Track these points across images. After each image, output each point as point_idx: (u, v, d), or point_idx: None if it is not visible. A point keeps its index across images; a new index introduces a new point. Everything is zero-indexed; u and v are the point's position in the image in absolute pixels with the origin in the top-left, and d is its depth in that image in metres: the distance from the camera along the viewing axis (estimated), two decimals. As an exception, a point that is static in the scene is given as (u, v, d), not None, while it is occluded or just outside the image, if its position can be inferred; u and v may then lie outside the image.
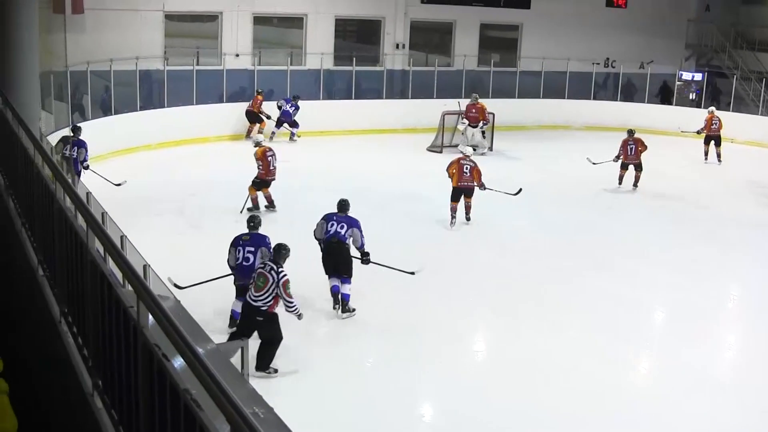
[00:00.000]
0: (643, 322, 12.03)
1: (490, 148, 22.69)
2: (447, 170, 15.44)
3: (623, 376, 10.10)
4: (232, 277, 10.25)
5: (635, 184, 19.14)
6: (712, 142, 23.38)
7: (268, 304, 9.10)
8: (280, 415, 4.00)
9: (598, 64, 29.49)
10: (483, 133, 22.59)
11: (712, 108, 24.46)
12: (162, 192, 17.05)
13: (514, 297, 12.36)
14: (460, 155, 15.69)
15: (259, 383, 7.49)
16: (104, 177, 15.40)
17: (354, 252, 11.15)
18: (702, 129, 23.42)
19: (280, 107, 22.33)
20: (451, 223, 15.34)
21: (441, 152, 21.90)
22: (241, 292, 9.76)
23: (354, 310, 10.92)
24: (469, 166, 15.28)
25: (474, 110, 22.49)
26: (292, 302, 9.35)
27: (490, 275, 13.16)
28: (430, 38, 28.86)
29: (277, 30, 26.68)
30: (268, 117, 22.38)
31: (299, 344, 9.99)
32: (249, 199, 15.53)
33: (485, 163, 17.42)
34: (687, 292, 12.97)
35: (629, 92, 29.98)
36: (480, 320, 11.79)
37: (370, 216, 14.36)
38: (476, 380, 9.71)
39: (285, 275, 9.19)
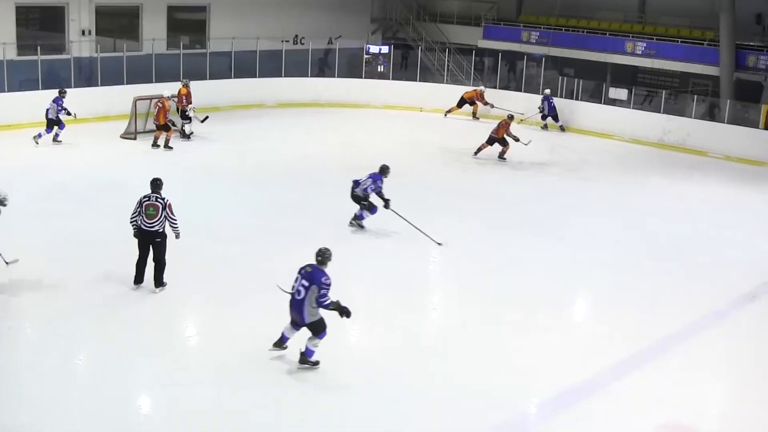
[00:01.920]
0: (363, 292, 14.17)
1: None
2: None
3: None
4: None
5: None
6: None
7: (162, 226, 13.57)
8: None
9: (288, 41, 34.27)
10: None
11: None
12: None
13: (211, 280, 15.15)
14: None
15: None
16: None
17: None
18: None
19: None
20: None
21: (135, 138, 25.37)
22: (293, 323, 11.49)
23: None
24: None
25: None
26: (176, 221, 13.70)
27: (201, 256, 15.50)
28: (117, 23, 32.08)
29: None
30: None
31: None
32: None
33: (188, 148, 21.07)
34: (397, 260, 16.05)
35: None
36: (183, 307, 13.77)
37: (74, 213, 18.01)
38: (189, 370, 11.76)
39: (168, 200, 13.63)
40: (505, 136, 24.89)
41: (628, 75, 35.09)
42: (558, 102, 31.40)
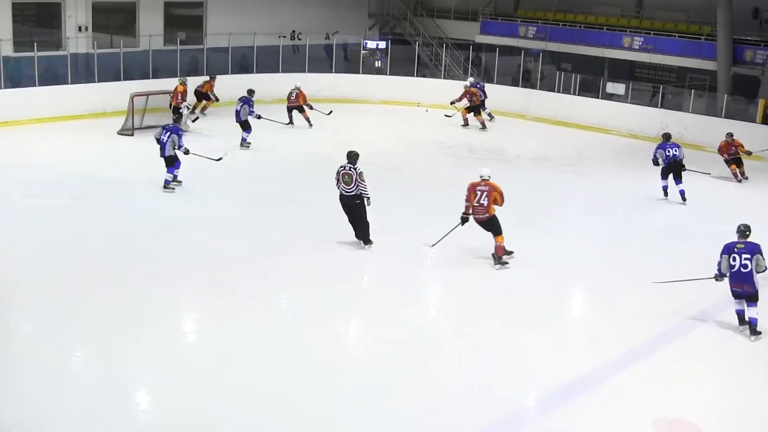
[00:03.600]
0: (348, 292, 14.46)
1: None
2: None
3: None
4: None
5: None
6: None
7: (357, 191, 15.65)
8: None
9: (285, 37, 34.46)
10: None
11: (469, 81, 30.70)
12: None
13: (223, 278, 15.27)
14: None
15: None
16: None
17: None
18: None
19: None
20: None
21: (132, 135, 25.34)
22: (737, 296, 13.30)
23: None
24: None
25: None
26: (366, 188, 15.78)
27: (197, 256, 15.67)
28: (113, 19, 32.13)
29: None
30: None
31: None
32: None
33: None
34: (390, 254, 16.12)
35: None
36: (177, 301, 13.71)
37: (71, 209, 18.14)
38: (188, 363, 11.57)
39: (360, 170, 15.78)
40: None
41: (625, 70, 35.14)
42: (556, 96, 31.47)
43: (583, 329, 13.69)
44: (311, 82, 32.34)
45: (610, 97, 31.49)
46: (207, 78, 29.26)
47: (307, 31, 34.67)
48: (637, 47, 33.27)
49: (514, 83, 33.79)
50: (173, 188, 19.76)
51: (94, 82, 28.58)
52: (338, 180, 15.90)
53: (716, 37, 30.65)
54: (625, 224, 19.35)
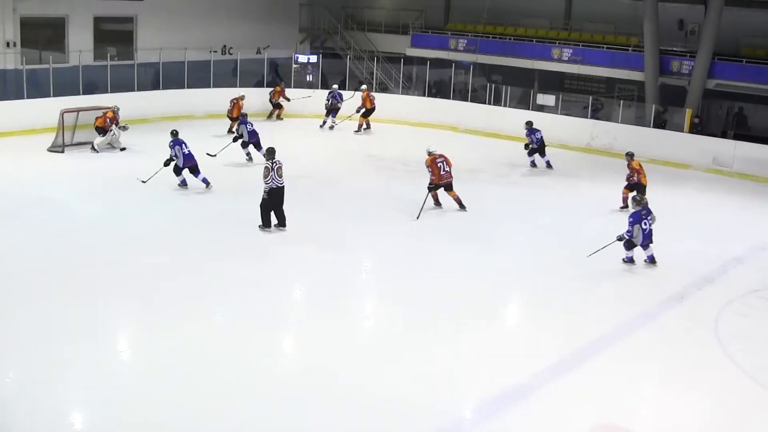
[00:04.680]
0: (283, 302, 14.63)
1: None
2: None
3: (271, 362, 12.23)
4: None
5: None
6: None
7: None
8: None
9: (216, 51, 34.40)
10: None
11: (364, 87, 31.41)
12: None
13: (147, 290, 14.67)
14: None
15: None
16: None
17: None
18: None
19: None
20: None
21: (63, 152, 25.04)
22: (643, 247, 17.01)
23: None
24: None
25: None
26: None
27: (128, 270, 15.48)
28: (42, 34, 31.80)
29: None
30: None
31: None
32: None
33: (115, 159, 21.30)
34: (329, 265, 16.24)
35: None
36: (111, 318, 13.50)
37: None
38: (123, 382, 11.26)
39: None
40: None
41: (555, 81, 35.57)
42: (487, 108, 31.80)
43: (519, 337, 13.79)
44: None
45: (541, 108, 31.83)
46: (274, 87, 31.55)
47: (239, 45, 34.67)
48: (567, 59, 33.75)
49: (446, 95, 33.97)
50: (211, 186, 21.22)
51: (23, 98, 28.15)
52: (272, 174, 17.42)
53: (643, 48, 31.18)
54: (558, 233, 19.52)
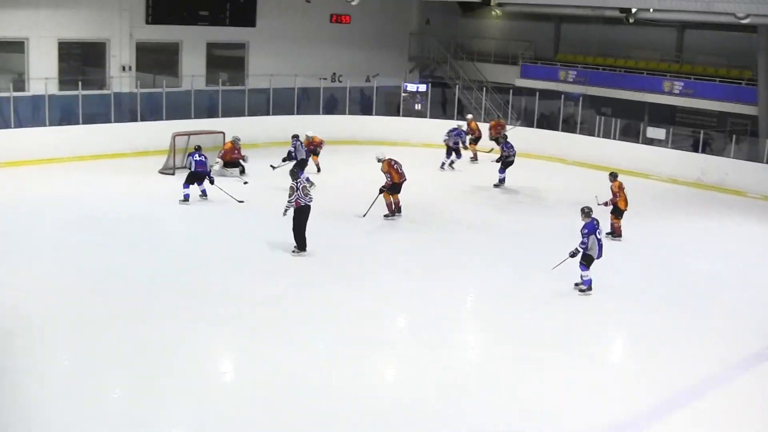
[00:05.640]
0: (389, 331, 14.61)
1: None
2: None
3: (374, 386, 12.31)
4: None
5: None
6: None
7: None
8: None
9: (326, 79, 34.55)
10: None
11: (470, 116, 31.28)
12: None
13: (253, 316, 14.76)
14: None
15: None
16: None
17: None
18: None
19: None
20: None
21: (173, 174, 25.44)
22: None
23: None
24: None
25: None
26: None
27: (227, 294, 15.63)
28: (157, 59, 32.49)
29: (-4, 55, 29.41)
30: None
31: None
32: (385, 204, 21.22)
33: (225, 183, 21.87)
34: (428, 297, 16.08)
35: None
36: (219, 340, 13.71)
37: (106, 246, 18.28)
38: (222, 403, 11.41)
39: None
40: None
41: (665, 114, 34.82)
42: (595, 141, 31.33)
43: (613, 376, 13.45)
44: (352, 124, 33.14)
45: (651, 141, 31.22)
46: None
47: (348, 73, 34.83)
48: (678, 92, 32.98)
49: (554, 127, 33.57)
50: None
51: (137, 121, 29.02)
52: (297, 192, 17.52)
53: (757, 82, 30.32)
54: (663, 269, 19.00)
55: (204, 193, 22.55)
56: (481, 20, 40.72)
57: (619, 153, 30.66)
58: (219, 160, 25.69)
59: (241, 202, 22.42)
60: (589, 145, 31.80)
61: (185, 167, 23.95)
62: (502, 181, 26.26)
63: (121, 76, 30.03)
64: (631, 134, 32.07)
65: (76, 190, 23.51)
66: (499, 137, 29.48)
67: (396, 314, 15.45)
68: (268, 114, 32.12)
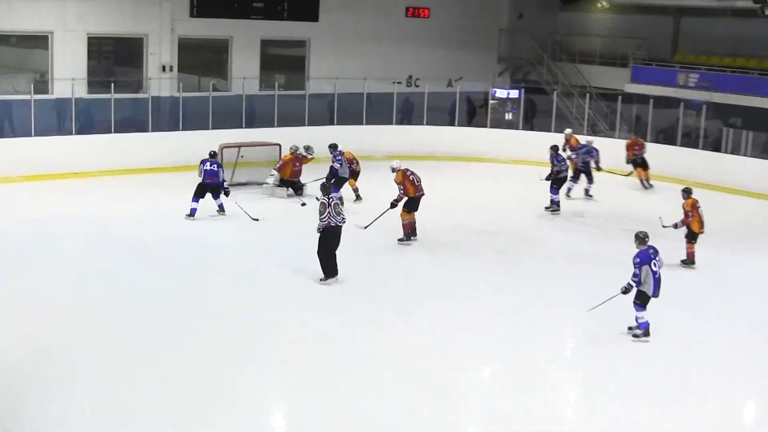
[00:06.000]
0: (462, 376, 14.47)
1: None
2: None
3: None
4: None
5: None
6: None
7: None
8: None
9: (400, 83, 34.77)
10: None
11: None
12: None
13: (305, 355, 14.77)
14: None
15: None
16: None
17: None
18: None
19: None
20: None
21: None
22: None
23: None
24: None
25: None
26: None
27: (274, 332, 15.77)
28: (202, 58, 32.99)
29: (16, 51, 30.01)
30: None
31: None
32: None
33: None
34: (511, 340, 15.87)
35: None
36: (270, 387, 13.79)
37: (142, 269, 18.52)
38: None
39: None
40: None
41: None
42: (722, 158, 30.94)
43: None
44: (430, 136, 33.07)
45: (791, 158, 30.64)
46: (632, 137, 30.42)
47: (426, 76, 34.83)
48: (825, 99, 32.38)
49: (672, 141, 33.18)
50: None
51: (178, 130, 29.13)
52: (329, 210, 17.62)
53: None
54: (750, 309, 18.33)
55: (221, 208, 22.90)
56: (584, 14, 40.46)
57: (751, 173, 30.18)
58: (275, 172, 25.48)
59: (256, 220, 22.65)
60: (713, 163, 31.28)
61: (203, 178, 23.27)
62: (556, 204, 25.65)
63: (160, 78, 30.37)
64: (767, 149, 31.58)
65: (105, 209, 23.59)
66: (636, 159, 29.52)
67: (475, 360, 15.19)
68: (332, 123, 32.16)
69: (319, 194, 18.24)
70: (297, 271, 18.80)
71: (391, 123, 33.45)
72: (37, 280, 17.62)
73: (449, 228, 23.24)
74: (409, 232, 21.35)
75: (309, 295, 17.64)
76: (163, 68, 30.66)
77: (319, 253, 17.85)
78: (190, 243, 20.92)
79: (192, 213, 22.56)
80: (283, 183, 25.60)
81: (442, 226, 23.16)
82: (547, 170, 25.46)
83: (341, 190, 23.51)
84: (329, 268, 17.93)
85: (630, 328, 15.84)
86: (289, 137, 27.30)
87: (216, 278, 18.51)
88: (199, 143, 27.27)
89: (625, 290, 15.65)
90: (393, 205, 21.19)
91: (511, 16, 39.16)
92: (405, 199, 21.06)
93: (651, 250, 15.61)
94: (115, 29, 30.21)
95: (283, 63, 34.87)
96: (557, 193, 25.63)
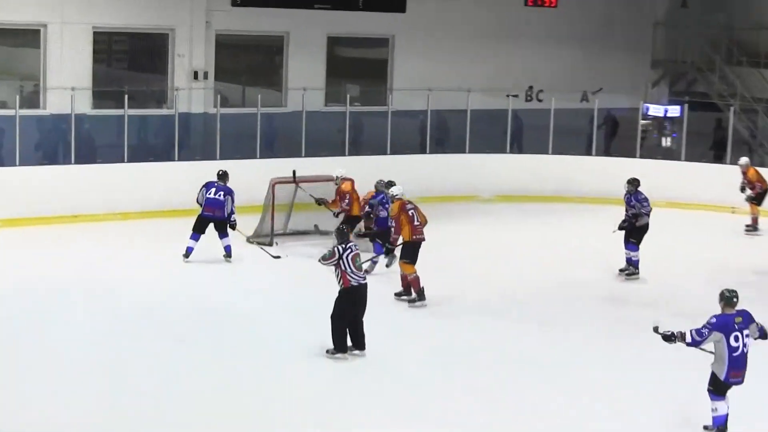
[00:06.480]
0: None
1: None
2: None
3: None
4: None
5: None
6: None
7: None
8: None
9: (516, 96, 33.22)
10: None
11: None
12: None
13: None
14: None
15: None
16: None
17: None
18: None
19: None
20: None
21: (272, 245, 24.35)
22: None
23: None
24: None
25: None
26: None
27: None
28: (248, 62, 32.34)
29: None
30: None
31: None
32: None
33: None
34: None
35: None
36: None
37: (168, 351, 17.34)
38: None
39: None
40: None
41: None
42: None
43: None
44: (556, 167, 31.78)
45: None
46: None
47: (552, 87, 33.58)
48: None
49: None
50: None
51: (215, 159, 27.88)
52: (347, 263, 16.92)
53: None
54: None
55: (228, 252, 22.87)
56: (774, 1, 38.38)
57: None
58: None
59: (277, 257, 23.09)
60: None
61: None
62: (634, 264, 23.40)
63: (191, 88, 29.60)
64: None
65: (121, 265, 22.82)
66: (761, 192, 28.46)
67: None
68: (423, 152, 31.42)
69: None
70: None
71: (504, 151, 32.29)
72: (28, 357, 16.80)
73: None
74: (411, 288, 20.40)
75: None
76: (195, 75, 29.70)
77: (334, 319, 17.33)
78: (243, 316, 19.89)
79: (188, 253, 22.62)
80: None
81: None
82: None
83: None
84: (343, 342, 17.48)
85: (706, 428, 14.72)
86: (365, 168, 26.42)
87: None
88: (242, 176, 25.61)
89: (667, 336, 14.29)
90: (388, 249, 20.98)
91: (671, 5, 37.60)
92: (400, 242, 20.41)
93: (738, 318, 14.19)
94: (131, 22, 29.31)
95: (357, 69, 34.00)
96: (636, 249, 23.27)
